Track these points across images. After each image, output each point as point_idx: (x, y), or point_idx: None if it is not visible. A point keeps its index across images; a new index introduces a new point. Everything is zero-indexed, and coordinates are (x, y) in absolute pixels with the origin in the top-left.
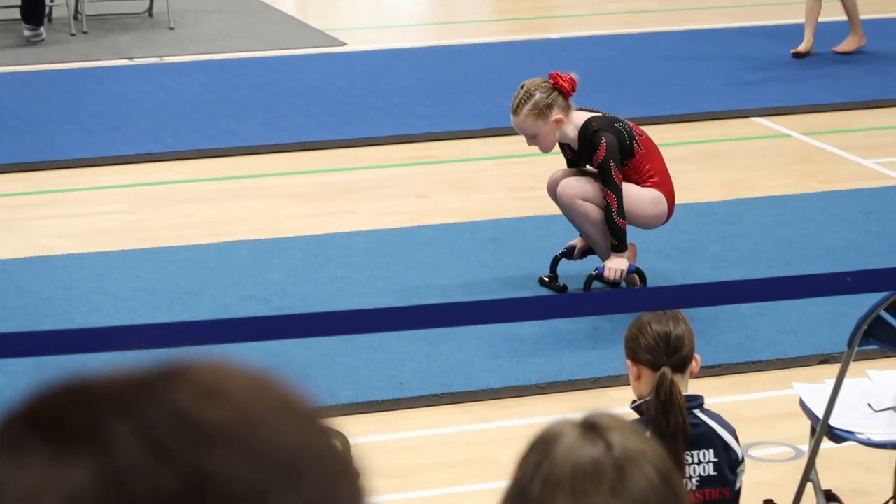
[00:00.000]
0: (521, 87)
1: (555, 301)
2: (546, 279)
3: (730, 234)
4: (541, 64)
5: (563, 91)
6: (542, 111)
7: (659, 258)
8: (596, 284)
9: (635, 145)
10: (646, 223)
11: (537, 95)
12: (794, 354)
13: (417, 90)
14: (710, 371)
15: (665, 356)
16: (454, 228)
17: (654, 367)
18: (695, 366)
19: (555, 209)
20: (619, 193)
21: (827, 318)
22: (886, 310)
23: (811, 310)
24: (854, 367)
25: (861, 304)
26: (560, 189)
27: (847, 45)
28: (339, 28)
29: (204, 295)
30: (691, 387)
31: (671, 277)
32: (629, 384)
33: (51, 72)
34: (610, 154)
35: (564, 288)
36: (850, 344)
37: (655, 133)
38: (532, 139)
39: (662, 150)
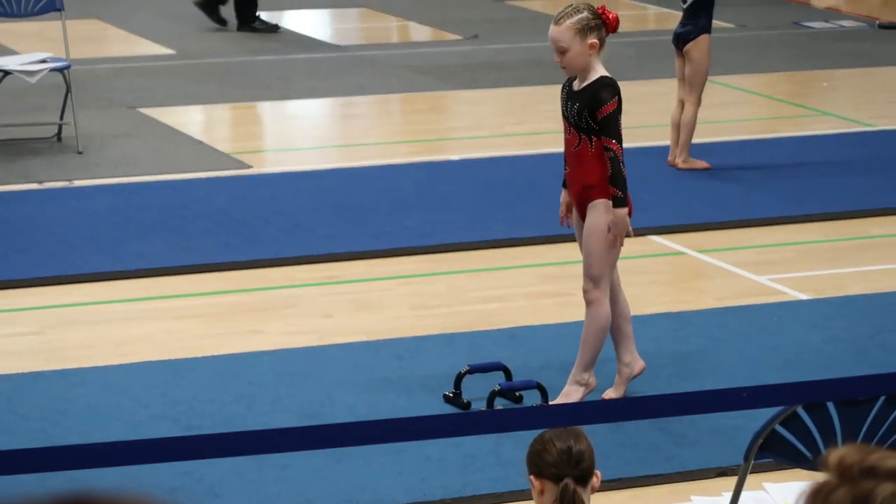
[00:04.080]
0: (570, 5)
1: (459, 419)
2: (450, 395)
3: None
4: (442, 184)
5: (606, 23)
6: (583, 30)
7: (561, 374)
8: (499, 401)
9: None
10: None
11: (585, 13)
12: (693, 467)
13: (321, 211)
14: (610, 485)
15: (568, 468)
16: (358, 347)
17: (558, 479)
18: (595, 481)
19: (456, 328)
20: (621, 144)
21: (724, 431)
22: (781, 424)
23: (708, 423)
24: (751, 479)
25: (757, 417)
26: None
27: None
28: (245, 151)
29: (114, 415)
30: (593, 502)
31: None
32: (531, 499)
33: None
34: (618, 111)
35: (468, 404)
36: (747, 457)
37: (555, 252)
38: (562, 54)
39: (560, 269)
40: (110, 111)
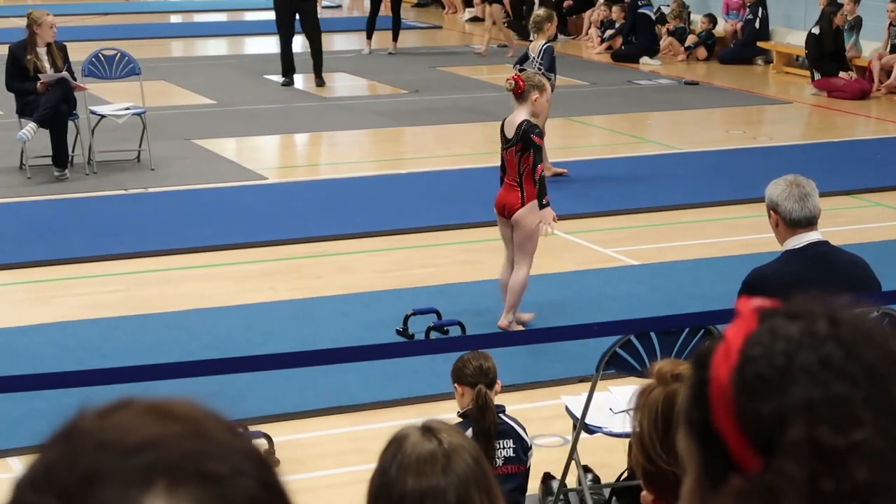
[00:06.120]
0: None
1: (406, 345)
2: (400, 330)
3: None
4: (396, 189)
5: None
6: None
7: (476, 316)
8: (433, 334)
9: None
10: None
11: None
12: (562, 376)
13: (315, 207)
14: (508, 389)
15: (480, 378)
16: (340, 298)
17: (473, 385)
18: (498, 387)
19: (405, 285)
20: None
21: (583, 352)
22: (620, 347)
23: (571, 348)
24: (600, 384)
25: (604, 343)
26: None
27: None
28: (264, 167)
29: (175, 345)
30: (496, 401)
31: (480, 329)
32: (455, 399)
33: (73, 199)
34: None
35: (412, 336)
36: (597, 370)
37: (473, 234)
38: None
39: (476, 245)
40: (173, 141)
